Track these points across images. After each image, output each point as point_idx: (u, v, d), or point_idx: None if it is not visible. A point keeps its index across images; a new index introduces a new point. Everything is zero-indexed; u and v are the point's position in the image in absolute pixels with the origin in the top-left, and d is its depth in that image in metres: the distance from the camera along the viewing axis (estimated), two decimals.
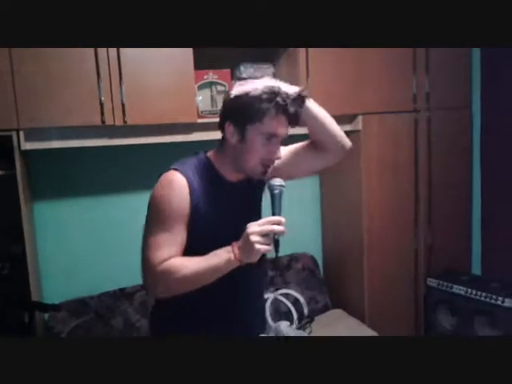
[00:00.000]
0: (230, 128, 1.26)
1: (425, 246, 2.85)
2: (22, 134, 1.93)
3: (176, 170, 1.28)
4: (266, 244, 1.15)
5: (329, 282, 2.97)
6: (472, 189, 3.04)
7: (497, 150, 2.91)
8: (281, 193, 1.25)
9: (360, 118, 2.56)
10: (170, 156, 2.50)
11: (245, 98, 1.23)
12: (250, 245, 1.14)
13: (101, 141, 2.10)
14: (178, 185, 1.24)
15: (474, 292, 2.55)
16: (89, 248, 2.45)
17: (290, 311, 2.65)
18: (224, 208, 1.30)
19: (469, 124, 2.97)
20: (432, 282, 2.77)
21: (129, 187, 2.51)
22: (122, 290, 2.45)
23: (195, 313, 1.33)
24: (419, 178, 2.79)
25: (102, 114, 2.00)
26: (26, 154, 2.05)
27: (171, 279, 1.19)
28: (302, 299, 2.72)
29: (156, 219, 1.24)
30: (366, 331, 2.55)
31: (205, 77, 2.24)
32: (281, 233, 1.18)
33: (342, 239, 2.89)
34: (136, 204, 2.49)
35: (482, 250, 3.06)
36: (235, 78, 2.44)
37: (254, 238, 1.14)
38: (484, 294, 2.50)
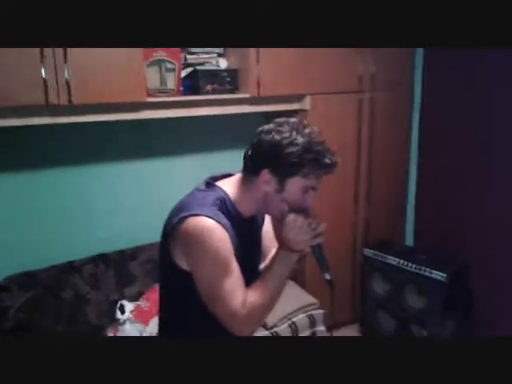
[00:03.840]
0: (266, 176, 1.22)
1: (363, 220, 3.04)
2: None
3: (204, 216, 1.20)
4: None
5: None
6: (409, 168, 3.22)
7: (433, 131, 3.07)
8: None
9: (308, 97, 2.63)
10: (117, 133, 2.50)
11: (289, 150, 1.19)
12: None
13: (45, 119, 2.05)
14: (217, 230, 1.19)
15: (405, 263, 2.77)
16: (34, 222, 2.42)
17: None
18: (243, 243, 1.29)
19: (410, 106, 3.11)
20: (368, 252, 2.98)
21: (72, 162, 2.48)
22: (70, 262, 2.45)
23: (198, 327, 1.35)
24: (361, 156, 2.93)
25: (46, 93, 1.94)
26: None
27: (258, 312, 1.23)
28: None
29: (215, 270, 1.20)
30: (307, 298, 2.74)
31: (154, 54, 2.19)
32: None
33: None
34: (81, 178, 2.50)
35: (415, 224, 3.30)
36: (185, 53, 2.42)
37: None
38: (414, 266, 2.72)
